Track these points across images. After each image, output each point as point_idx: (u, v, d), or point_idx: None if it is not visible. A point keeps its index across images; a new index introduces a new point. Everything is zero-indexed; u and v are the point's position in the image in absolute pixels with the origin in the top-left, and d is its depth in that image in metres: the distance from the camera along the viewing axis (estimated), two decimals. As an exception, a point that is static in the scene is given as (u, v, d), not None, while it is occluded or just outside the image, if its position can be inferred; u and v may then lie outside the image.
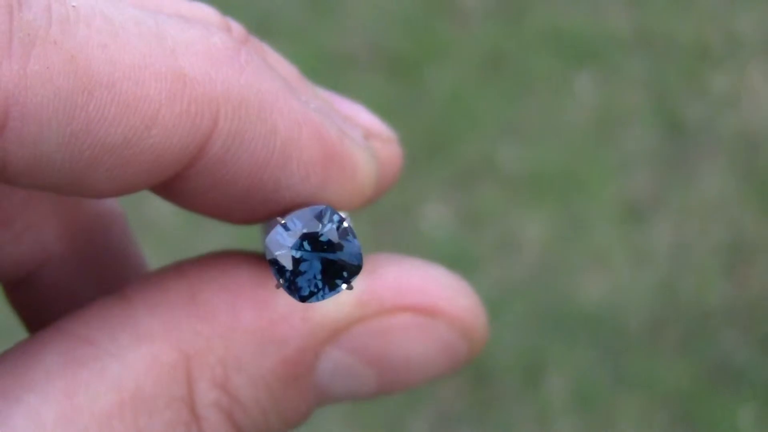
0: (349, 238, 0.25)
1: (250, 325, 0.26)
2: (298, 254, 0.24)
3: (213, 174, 0.25)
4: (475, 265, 1.49)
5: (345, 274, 0.25)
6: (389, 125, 0.32)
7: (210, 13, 0.27)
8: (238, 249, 0.28)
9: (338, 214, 0.25)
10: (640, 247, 1.52)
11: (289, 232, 0.24)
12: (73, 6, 0.22)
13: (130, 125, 0.22)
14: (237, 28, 0.28)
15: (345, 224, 0.25)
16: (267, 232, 0.29)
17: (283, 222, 0.24)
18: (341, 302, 0.27)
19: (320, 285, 0.25)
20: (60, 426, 0.24)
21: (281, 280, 0.25)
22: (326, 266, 0.25)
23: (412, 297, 0.28)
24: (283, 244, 0.24)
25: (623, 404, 1.34)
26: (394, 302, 0.28)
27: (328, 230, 0.25)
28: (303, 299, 0.25)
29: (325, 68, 1.72)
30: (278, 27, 1.81)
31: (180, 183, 0.25)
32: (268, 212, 0.27)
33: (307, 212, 0.25)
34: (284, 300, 0.27)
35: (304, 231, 0.24)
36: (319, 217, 0.25)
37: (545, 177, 1.60)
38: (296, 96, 0.26)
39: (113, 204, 0.32)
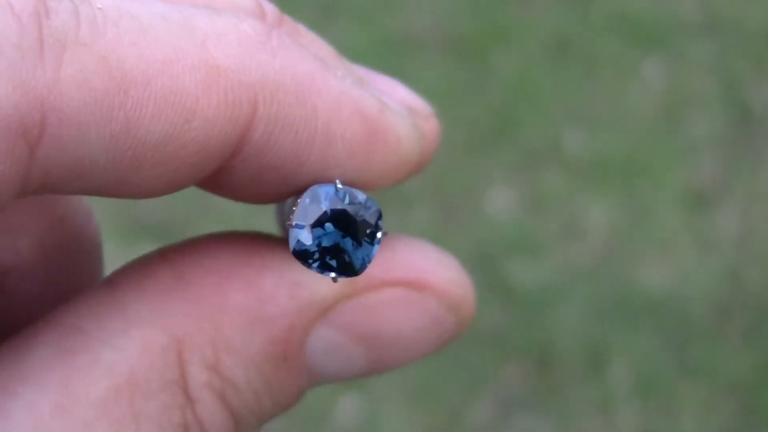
0: (346, 195, 0.25)
1: (237, 305, 0.26)
2: (324, 242, 0.25)
3: (258, 161, 0.25)
4: (539, 250, 1.49)
5: (368, 229, 0.25)
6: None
7: None
8: (225, 230, 0.28)
9: (326, 185, 0.25)
10: (706, 234, 1.51)
11: (304, 230, 0.24)
12: (99, 8, 0.22)
13: (170, 120, 0.23)
14: (270, 9, 0.27)
15: (338, 185, 0.25)
16: (281, 212, 0.29)
17: (294, 224, 0.24)
18: (330, 279, 0.27)
19: (360, 248, 0.25)
20: (57, 415, 0.24)
21: (332, 274, 0.25)
22: (353, 231, 0.25)
23: (399, 272, 0.28)
24: (308, 247, 0.24)
25: (687, 392, 1.34)
26: (382, 277, 0.28)
27: (328, 204, 0.25)
28: (358, 272, 0.25)
29: (391, 51, 1.73)
30: (344, 10, 1.81)
31: (227, 175, 0.25)
32: None
33: (302, 206, 0.25)
34: (270, 278, 0.26)
35: (311, 223, 0.24)
36: (315, 200, 0.25)
37: (611, 162, 1.59)
38: (332, 73, 0.26)
39: (89, 218, 0.31)
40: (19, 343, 0.25)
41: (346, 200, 0.25)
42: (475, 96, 1.66)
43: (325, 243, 0.25)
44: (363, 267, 0.25)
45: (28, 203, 0.29)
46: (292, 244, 0.24)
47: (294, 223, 0.24)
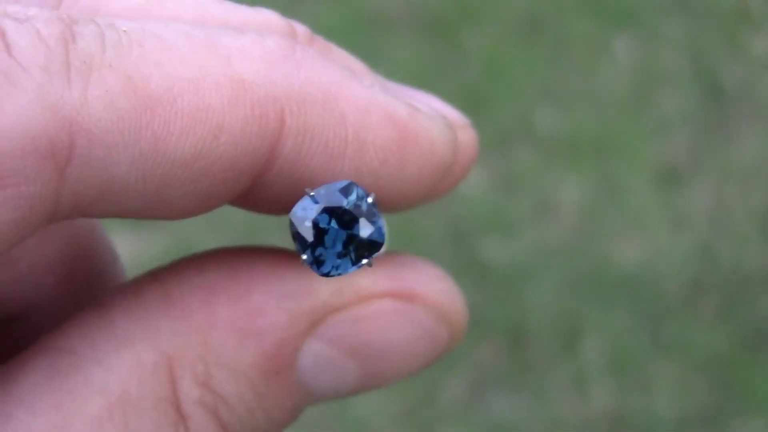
0: (373, 213, 0.25)
1: (227, 320, 0.26)
2: (321, 224, 0.25)
3: (292, 174, 0.25)
4: (512, 228, 1.49)
5: (367, 249, 0.25)
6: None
7: (272, 17, 0.27)
8: (213, 248, 0.28)
9: (363, 189, 0.25)
10: (678, 210, 1.51)
11: (316, 205, 0.24)
12: (124, 30, 0.23)
13: (198, 136, 0.23)
14: (302, 29, 0.28)
15: (369, 200, 0.25)
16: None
17: (311, 194, 0.25)
18: (318, 292, 0.27)
19: (341, 259, 0.25)
20: None
21: (304, 255, 0.25)
22: (348, 241, 0.25)
23: (388, 283, 0.28)
24: (306, 216, 0.24)
25: (660, 369, 1.34)
26: (371, 289, 0.28)
27: (351, 205, 0.25)
28: (325, 274, 0.25)
29: (363, 30, 1.72)
30: (315, -12, 1.80)
31: (262, 191, 0.25)
32: None
33: (331, 186, 0.25)
34: (259, 291, 0.26)
35: (327, 205, 0.24)
36: (345, 191, 0.25)
37: (582, 140, 1.59)
38: (358, 80, 0.26)
39: (114, 255, 0.32)
40: (13, 367, 0.25)
41: (366, 214, 0.25)
42: (447, 75, 1.66)
43: (338, 244, 0.25)
44: (328, 274, 0.25)
45: (54, 241, 0.29)
46: (296, 207, 0.25)
47: (312, 194, 0.25)
